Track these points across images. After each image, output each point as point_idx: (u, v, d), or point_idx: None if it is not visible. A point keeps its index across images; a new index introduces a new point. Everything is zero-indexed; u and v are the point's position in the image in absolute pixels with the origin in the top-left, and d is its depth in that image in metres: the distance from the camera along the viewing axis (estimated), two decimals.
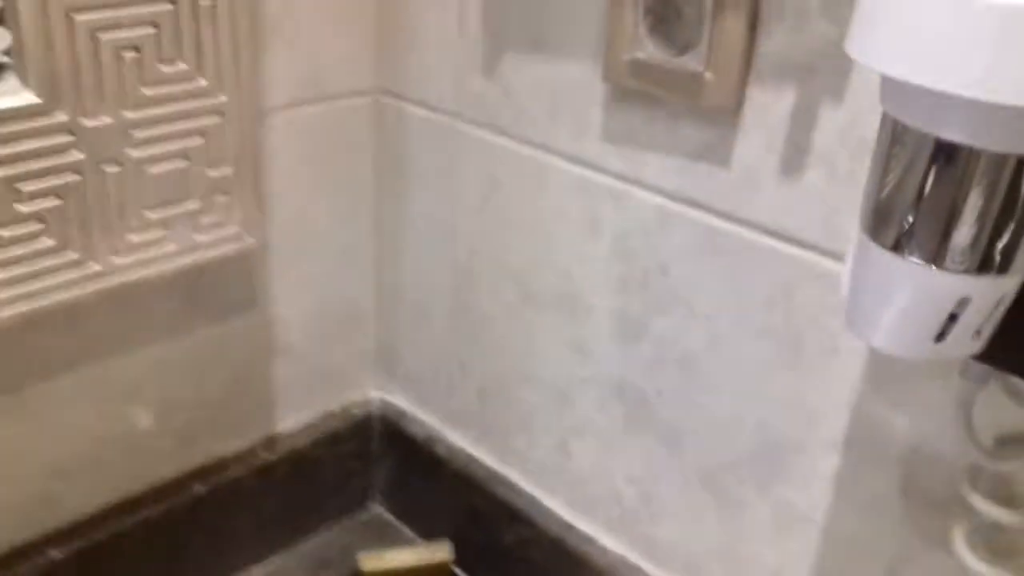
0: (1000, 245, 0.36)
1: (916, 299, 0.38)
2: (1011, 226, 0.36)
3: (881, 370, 0.56)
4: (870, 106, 0.51)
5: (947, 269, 0.37)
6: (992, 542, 0.49)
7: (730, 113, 0.57)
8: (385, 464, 0.94)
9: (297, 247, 0.81)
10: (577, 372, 0.74)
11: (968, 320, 0.38)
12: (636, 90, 0.61)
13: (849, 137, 0.52)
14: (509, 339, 0.79)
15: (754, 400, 0.63)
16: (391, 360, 0.92)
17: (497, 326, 0.79)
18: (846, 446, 0.59)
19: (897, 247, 0.38)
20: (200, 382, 0.79)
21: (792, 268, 0.58)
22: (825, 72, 0.52)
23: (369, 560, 0.81)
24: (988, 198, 0.35)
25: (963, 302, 0.37)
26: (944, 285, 0.37)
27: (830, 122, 0.53)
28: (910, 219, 0.37)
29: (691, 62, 0.57)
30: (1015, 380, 0.46)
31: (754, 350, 0.62)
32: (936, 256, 0.37)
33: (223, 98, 0.64)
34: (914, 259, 0.37)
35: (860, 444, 0.58)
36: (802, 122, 0.54)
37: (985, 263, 0.37)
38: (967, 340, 0.39)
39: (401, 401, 0.92)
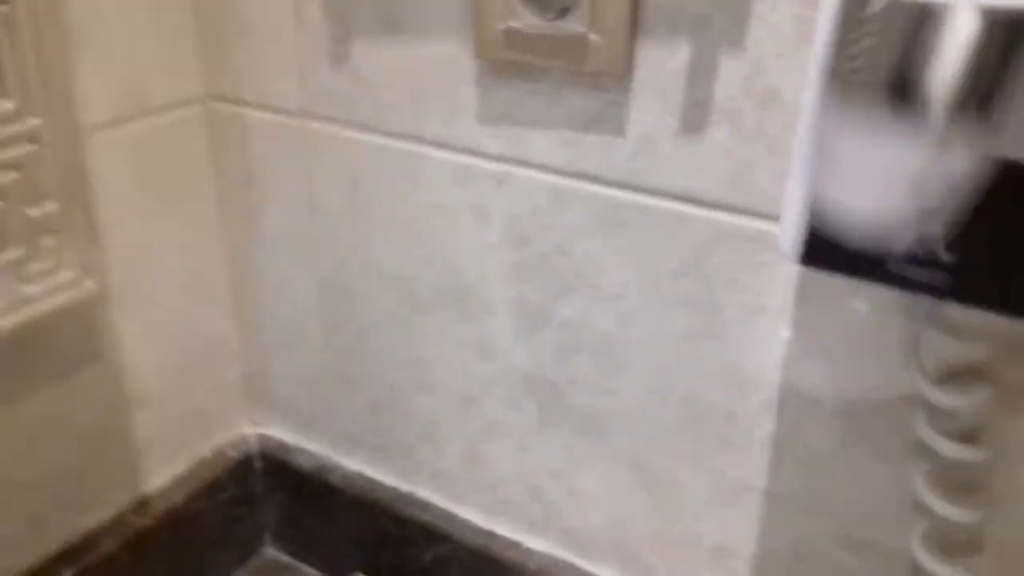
0: None
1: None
2: None
3: (809, 322, 0.54)
4: (774, 52, 0.48)
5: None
6: (950, 482, 0.48)
7: (620, 76, 0.53)
8: (273, 504, 0.86)
9: (140, 284, 0.71)
10: (480, 372, 0.69)
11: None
12: (513, 62, 0.56)
13: (754, 87, 0.49)
14: (398, 348, 0.73)
15: (677, 375, 0.60)
16: (263, 391, 0.83)
17: (381, 336, 0.73)
18: (781, 407, 0.57)
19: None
20: (46, 453, 0.68)
21: (702, 232, 0.55)
22: (721, 21, 0.49)
23: None
24: None
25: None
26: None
27: (731, 73, 0.50)
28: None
29: (572, 25, 0.52)
30: (953, 316, 0.45)
31: (670, 323, 0.59)
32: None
33: (35, 121, 0.54)
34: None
35: (795, 403, 0.56)
36: (700, 77, 0.51)
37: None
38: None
39: (281, 433, 0.84)
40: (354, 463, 0.81)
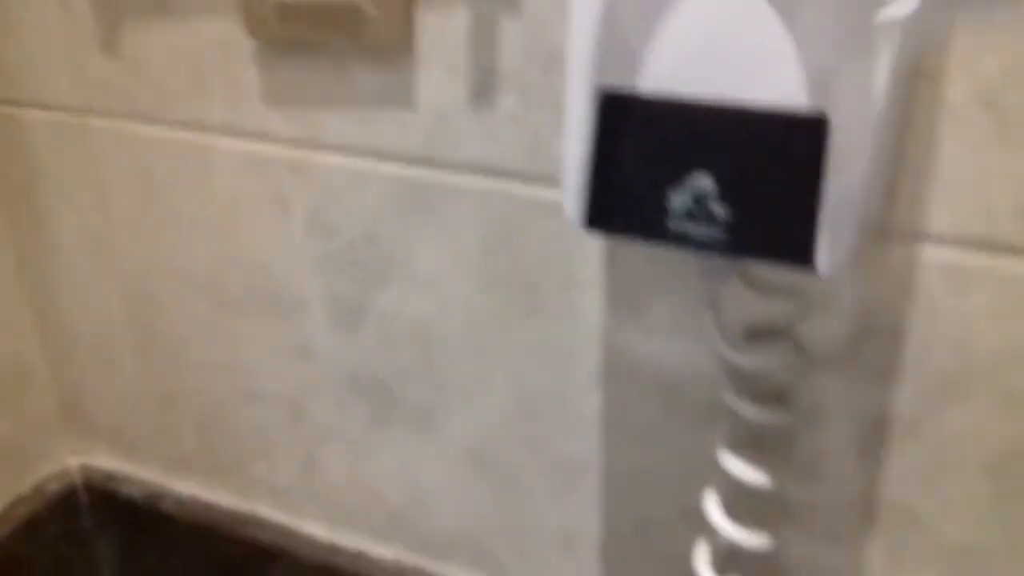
0: None
1: None
2: None
3: (623, 293, 0.52)
4: (553, 12, 0.45)
5: None
6: (758, 441, 0.46)
7: (402, 47, 0.50)
8: (104, 540, 0.79)
9: None
10: (303, 376, 0.65)
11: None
12: (290, 39, 0.52)
13: (536, 50, 0.47)
14: (215, 358, 0.67)
15: (500, 358, 0.57)
16: (81, 417, 0.77)
17: (197, 346, 0.68)
18: (605, 383, 0.54)
19: None
20: None
21: (505, 205, 0.52)
22: None
23: None
24: None
25: None
26: None
27: (512, 37, 0.47)
28: None
29: None
30: (752, 270, 0.44)
31: (487, 304, 0.56)
32: None
33: None
34: None
35: (617, 378, 0.54)
36: (483, 43, 0.48)
37: None
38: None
39: (106, 462, 0.78)
40: (187, 487, 0.75)
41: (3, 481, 0.73)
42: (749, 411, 0.43)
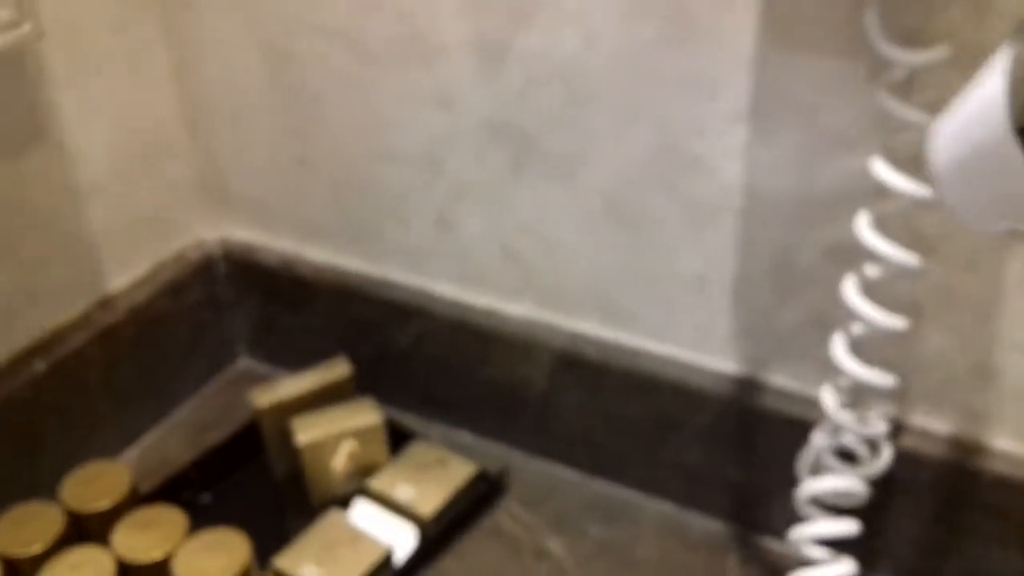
0: None
1: None
2: None
3: (776, 13, 0.52)
4: None
5: None
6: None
7: None
8: (243, 307, 0.84)
9: (75, 56, 0.67)
10: (442, 128, 0.66)
11: None
12: None
13: None
14: (352, 115, 0.69)
15: (646, 93, 0.58)
16: (219, 187, 0.80)
17: (333, 104, 0.70)
18: (752, 115, 0.55)
19: None
20: (4, 237, 0.65)
21: None
22: None
23: (262, 395, 0.71)
24: None
25: None
26: None
27: None
28: None
29: None
30: None
31: (634, 35, 0.56)
32: None
33: None
34: None
35: (766, 106, 0.54)
36: None
37: None
38: None
39: (243, 232, 0.82)
40: (321, 254, 0.78)
41: (147, 247, 0.77)
42: (904, 112, 0.44)
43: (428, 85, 0.65)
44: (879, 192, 0.47)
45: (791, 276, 0.59)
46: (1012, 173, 0.33)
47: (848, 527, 0.53)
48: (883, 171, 0.47)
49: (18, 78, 0.64)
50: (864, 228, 0.48)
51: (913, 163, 0.44)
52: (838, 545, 0.54)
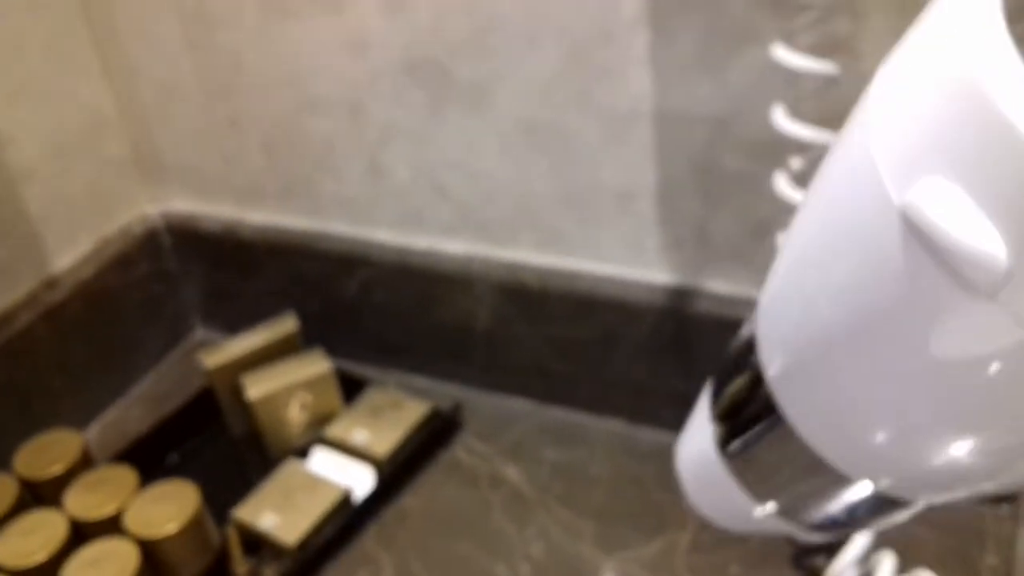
0: None
1: None
2: None
3: None
4: None
5: None
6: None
7: None
8: (192, 277, 0.84)
9: None
10: (361, 72, 0.67)
11: None
12: None
13: None
14: (274, 69, 0.70)
15: (549, 9, 0.58)
16: (156, 159, 0.80)
17: (253, 61, 0.70)
18: (653, 16, 0.55)
19: None
20: None
21: None
22: None
23: (212, 356, 0.72)
24: None
25: None
26: None
27: None
28: None
29: None
30: None
31: None
32: None
33: None
34: None
35: (667, 6, 0.55)
36: None
37: None
38: None
39: (183, 202, 0.82)
40: (261, 215, 0.79)
41: (89, 225, 0.78)
42: None
43: (341, 31, 0.65)
44: (790, 81, 0.48)
45: (717, 181, 0.60)
46: (729, 491, 0.34)
47: None
48: (786, 56, 0.47)
49: None
50: (781, 118, 0.49)
51: (817, 46, 0.45)
52: None
